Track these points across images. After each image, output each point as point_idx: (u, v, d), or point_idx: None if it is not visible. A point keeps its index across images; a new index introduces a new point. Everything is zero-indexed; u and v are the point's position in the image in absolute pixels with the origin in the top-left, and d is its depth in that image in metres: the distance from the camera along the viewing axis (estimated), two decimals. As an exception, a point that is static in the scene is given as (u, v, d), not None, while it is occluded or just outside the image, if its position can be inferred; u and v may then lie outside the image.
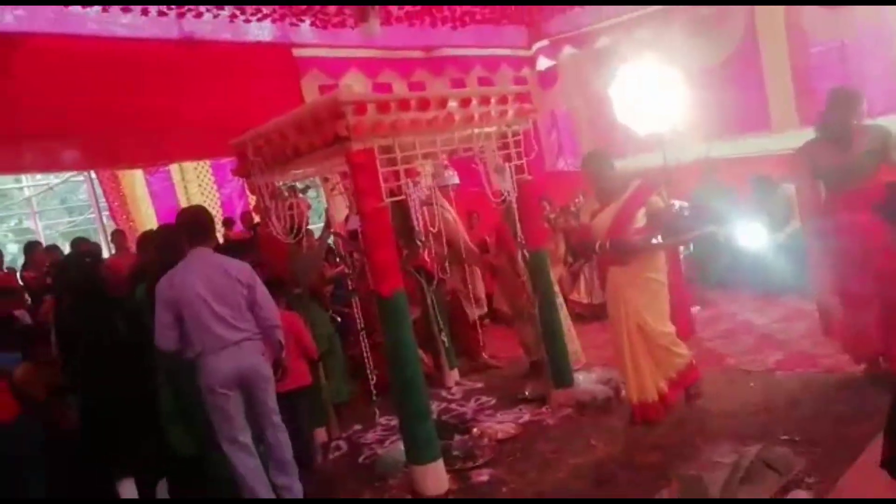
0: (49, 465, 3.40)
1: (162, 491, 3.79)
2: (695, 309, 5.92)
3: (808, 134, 6.99)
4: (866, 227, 3.16)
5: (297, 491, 3.52)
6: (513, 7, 7.76)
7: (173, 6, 5.42)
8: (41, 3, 4.94)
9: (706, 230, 4.01)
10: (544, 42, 8.60)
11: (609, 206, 3.84)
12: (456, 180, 5.25)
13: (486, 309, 6.39)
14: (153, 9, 5.36)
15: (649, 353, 3.82)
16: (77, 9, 5.12)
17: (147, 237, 4.26)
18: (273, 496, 3.42)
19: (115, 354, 3.62)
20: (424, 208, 4.31)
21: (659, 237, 3.82)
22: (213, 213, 9.04)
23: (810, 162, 3.76)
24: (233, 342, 3.28)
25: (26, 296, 5.52)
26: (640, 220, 3.80)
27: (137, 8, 5.31)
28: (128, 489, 3.74)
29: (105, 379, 3.60)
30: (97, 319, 3.69)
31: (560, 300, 4.71)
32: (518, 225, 4.21)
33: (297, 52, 6.62)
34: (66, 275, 3.91)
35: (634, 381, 3.82)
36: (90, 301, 3.80)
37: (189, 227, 3.47)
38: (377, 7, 5.91)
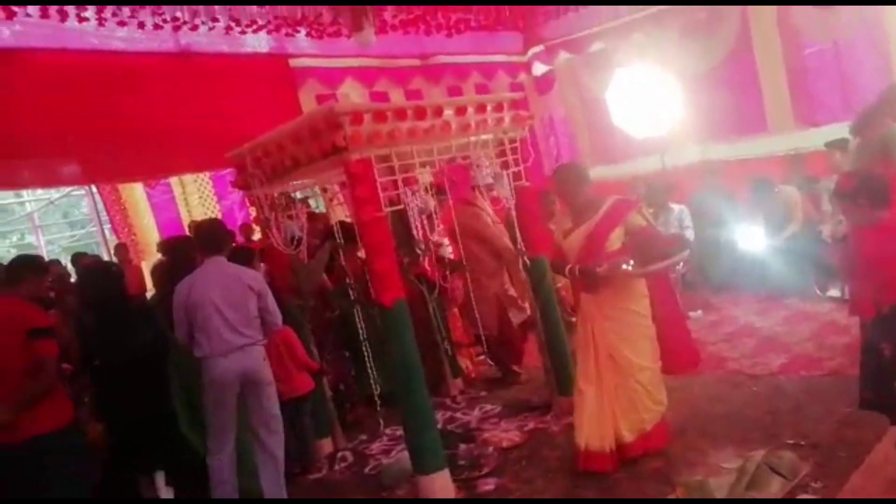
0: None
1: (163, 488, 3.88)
2: (697, 313, 5.92)
3: (805, 135, 7.02)
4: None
5: (279, 492, 3.67)
6: (507, 12, 7.79)
7: (168, 20, 5.43)
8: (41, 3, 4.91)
9: (685, 255, 3.47)
10: (539, 47, 8.63)
11: (581, 225, 3.46)
12: (491, 179, 4.88)
13: (528, 313, 5.44)
14: (149, 22, 5.38)
15: (622, 392, 3.37)
16: (74, 23, 5.13)
17: (168, 245, 4.56)
18: (235, 496, 3.61)
19: (143, 363, 3.73)
20: (423, 217, 4.30)
21: (631, 263, 3.31)
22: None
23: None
24: (238, 346, 3.52)
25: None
26: (616, 241, 3.40)
27: (134, 21, 5.32)
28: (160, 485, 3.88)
29: (133, 388, 3.67)
30: (128, 328, 3.79)
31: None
32: (518, 232, 4.21)
33: (293, 62, 6.65)
34: (97, 284, 3.97)
35: (589, 424, 3.35)
36: (122, 309, 3.86)
37: (206, 237, 3.80)
38: (371, 16, 5.93)
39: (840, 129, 6.12)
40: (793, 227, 5.88)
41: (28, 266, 3.43)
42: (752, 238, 6.01)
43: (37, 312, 3.17)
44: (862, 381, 2.95)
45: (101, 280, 3.96)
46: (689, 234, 6.24)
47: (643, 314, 3.40)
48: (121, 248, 7.47)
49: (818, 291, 5.74)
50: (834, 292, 5.60)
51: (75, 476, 3.17)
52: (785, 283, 5.84)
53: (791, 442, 3.26)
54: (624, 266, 3.28)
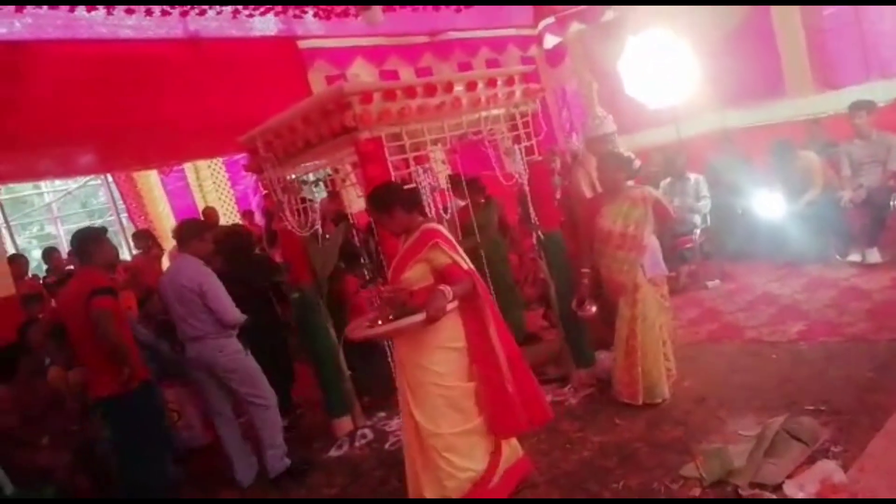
0: None
1: None
2: (714, 282, 5.88)
3: (824, 99, 6.88)
4: None
5: (270, 465, 4.00)
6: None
7: (176, 6, 5.43)
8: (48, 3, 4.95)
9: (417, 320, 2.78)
10: (550, 19, 8.48)
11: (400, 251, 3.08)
12: (611, 127, 4.55)
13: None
14: (157, 9, 5.38)
15: (423, 450, 2.97)
16: (83, 13, 5.15)
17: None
18: (251, 461, 4.08)
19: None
20: (436, 194, 4.29)
21: (390, 317, 2.93)
22: (229, 209, 9.13)
23: None
24: (191, 337, 3.86)
25: (53, 301, 5.62)
26: (417, 278, 2.93)
27: (141, 9, 5.33)
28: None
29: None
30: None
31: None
32: (531, 207, 4.19)
33: (302, 44, 6.62)
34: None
35: (409, 474, 3.06)
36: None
37: (176, 234, 4.32)
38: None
39: (860, 91, 6.00)
40: (812, 193, 5.79)
41: (90, 239, 3.66)
42: (770, 205, 5.92)
43: (98, 276, 3.53)
44: None
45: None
46: (706, 203, 6.18)
47: (437, 371, 2.88)
48: (141, 236, 7.55)
49: (838, 257, 5.66)
50: (854, 257, 5.53)
51: (146, 433, 3.56)
52: (804, 250, 5.76)
53: (811, 408, 3.24)
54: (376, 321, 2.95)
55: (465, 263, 2.94)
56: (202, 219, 5.83)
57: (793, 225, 5.78)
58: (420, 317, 2.75)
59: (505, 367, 2.92)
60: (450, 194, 4.66)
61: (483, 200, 5.34)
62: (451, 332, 2.91)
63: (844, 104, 5.70)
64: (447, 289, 2.79)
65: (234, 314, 3.86)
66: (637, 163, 4.36)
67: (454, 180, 4.83)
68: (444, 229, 3.03)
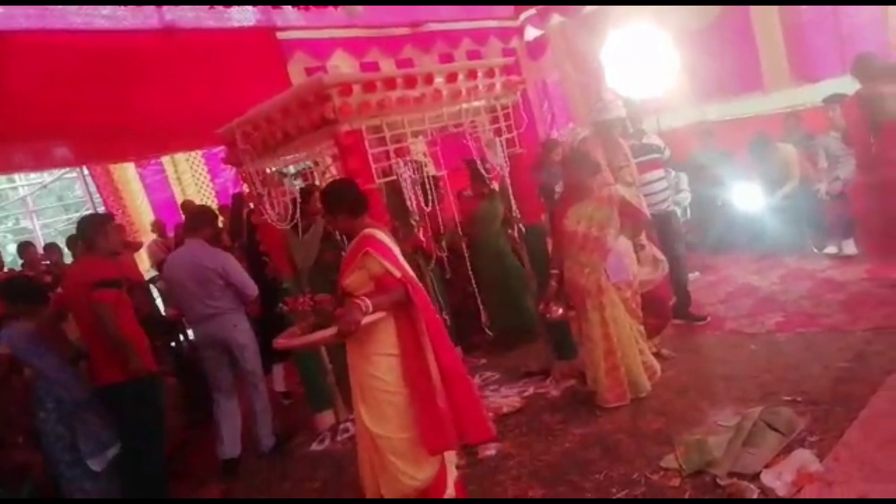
0: None
1: None
2: (695, 274, 5.93)
3: (801, 92, 6.93)
4: None
5: (262, 440, 4.29)
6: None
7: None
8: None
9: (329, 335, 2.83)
10: (531, 11, 8.45)
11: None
12: (617, 112, 4.42)
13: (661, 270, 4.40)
14: (131, -3, 5.27)
15: (380, 456, 2.88)
16: (56, 3, 5.03)
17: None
18: (237, 438, 4.23)
19: None
20: (417, 187, 4.27)
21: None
22: (209, 202, 9.02)
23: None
24: (206, 315, 4.13)
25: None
26: (357, 284, 2.88)
27: (115, -3, 5.22)
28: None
29: None
30: None
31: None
32: (512, 199, 4.19)
33: (281, 35, 6.50)
34: None
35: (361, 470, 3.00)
36: None
37: (187, 221, 4.68)
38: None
39: (837, 85, 6.06)
40: (790, 185, 5.85)
41: (94, 225, 3.70)
42: (749, 197, 5.98)
43: (102, 266, 3.57)
44: None
45: None
46: (686, 197, 6.22)
47: (381, 378, 2.84)
48: (117, 230, 7.41)
49: (815, 249, 5.74)
50: (831, 249, 5.61)
51: (146, 425, 3.63)
52: (782, 242, 5.83)
53: (788, 399, 3.29)
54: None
55: (399, 272, 2.83)
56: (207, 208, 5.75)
57: (771, 217, 5.85)
58: (332, 331, 2.75)
59: (437, 379, 2.80)
60: (442, 182, 4.58)
61: (487, 192, 5.30)
62: (388, 340, 2.85)
63: (821, 97, 5.76)
64: (365, 302, 2.72)
65: (254, 287, 4.23)
66: (667, 151, 4.33)
67: (471, 165, 4.55)
68: (381, 234, 2.92)
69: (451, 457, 3.04)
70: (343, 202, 2.95)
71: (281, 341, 3.00)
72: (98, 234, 3.62)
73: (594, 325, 3.75)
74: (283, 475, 4.02)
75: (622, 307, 3.77)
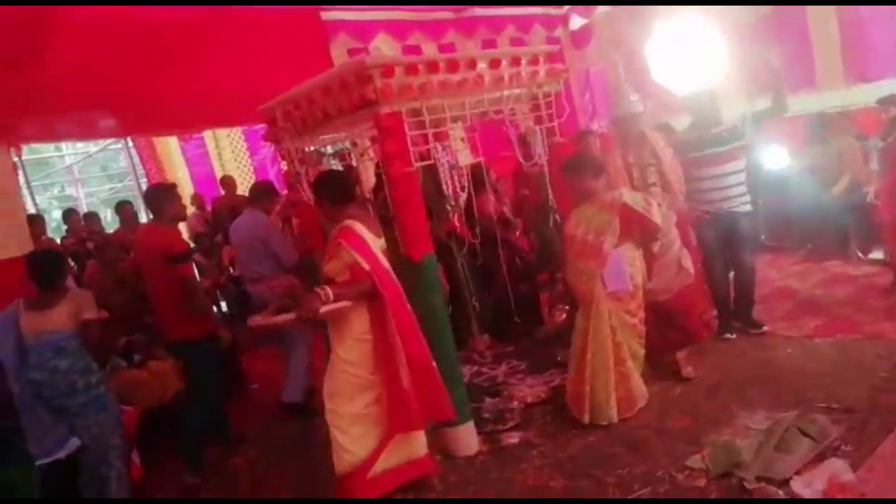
0: None
1: None
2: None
3: (854, 91, 6.69)
4: None
5: (286, 390, 4.64)
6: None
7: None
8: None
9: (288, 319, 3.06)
10: (576, -3, 8.32)
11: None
12: (637, 107, 4.36)
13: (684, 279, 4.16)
14: (181, -26, 5.33)
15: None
16: (108, -24, 5.12)
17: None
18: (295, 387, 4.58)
19: None
20: (454, 171, 4.25)
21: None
22: (247, 178, 9.14)
23: None
24: (250, 278, 4.68)
25: (70, 262, 5.68)
26: (338, 271, 3.09)
27: (166, -27, 5.28)
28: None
29: None
30: None
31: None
32: (549, 190, 4.14)
33: (324, 15, 6.54)
34: None
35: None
36: None
37: (251, 193, 5.20)
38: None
39: (892, 86, 5.84)
40: (845, 180, 5.63)
41: (161, 194, 3.98)
42: (799, 194, 5.80)
43: (175, 238, 3.89)
44: None
45: None
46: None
47: (347, 359, 3.06)
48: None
49: (859, 254, 5.57)
50: (876, 254, 5.44)
51: (212, 373, 3.98)
52: (826, 244, 5.67)
53: (823, 405, 3.21)
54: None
55: (368, 265, 3.00)
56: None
57: (819, 216, 5.67)
58: (291, 315, 2.98)
59: (403, 364, 3.01)
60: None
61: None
62: (361, 325, 3.07)
63: (875, 98, 5.56)
64: (325, 291, 2.92)
65: (293, 256, 4.64)
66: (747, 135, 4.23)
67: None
68: (359, 227, 3.08)
69: (414, 442, 3.20)
70: (327, 192, 3.19)
71: (256, 318, 3.19)
72: (165, 201, 3.89)
73: (577, 334, 3.60)
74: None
75: (609, 323, 3.51)
